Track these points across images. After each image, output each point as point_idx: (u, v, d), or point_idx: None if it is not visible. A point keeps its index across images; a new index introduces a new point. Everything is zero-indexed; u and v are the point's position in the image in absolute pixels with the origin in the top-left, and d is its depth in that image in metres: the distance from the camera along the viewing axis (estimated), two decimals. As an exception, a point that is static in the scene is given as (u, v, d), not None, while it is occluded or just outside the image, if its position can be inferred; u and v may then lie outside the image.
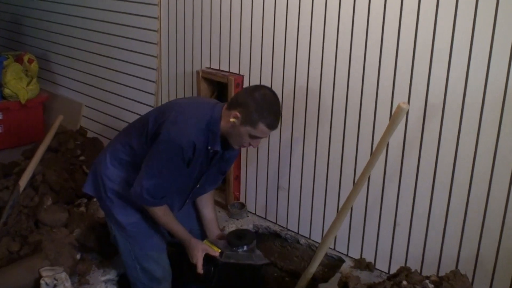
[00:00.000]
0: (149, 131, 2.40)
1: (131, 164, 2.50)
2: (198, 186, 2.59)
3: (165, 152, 2.30)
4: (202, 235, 2.78)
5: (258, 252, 2.68)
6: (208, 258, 2.54)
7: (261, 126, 2.31)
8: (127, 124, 4.21)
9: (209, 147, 2.38)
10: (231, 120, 2.31)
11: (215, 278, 2.55)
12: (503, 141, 2.32)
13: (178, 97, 3.83)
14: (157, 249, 2.61)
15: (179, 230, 2.54)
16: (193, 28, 3.58)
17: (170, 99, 3.87)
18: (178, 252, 2.70)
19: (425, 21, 2.43)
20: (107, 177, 2.54)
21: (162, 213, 2.46)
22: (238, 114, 2.30)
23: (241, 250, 2.60)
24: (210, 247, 2.56)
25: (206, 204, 2.77)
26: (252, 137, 2.36)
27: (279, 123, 2.41)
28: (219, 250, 2.55)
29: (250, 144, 2.41)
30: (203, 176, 2.55)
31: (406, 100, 2.56)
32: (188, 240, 2.55)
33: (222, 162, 2.61)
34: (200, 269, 2.52)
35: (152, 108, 4.02)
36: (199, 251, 2.52)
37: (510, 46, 2.21)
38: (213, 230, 2.78)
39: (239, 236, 2.66)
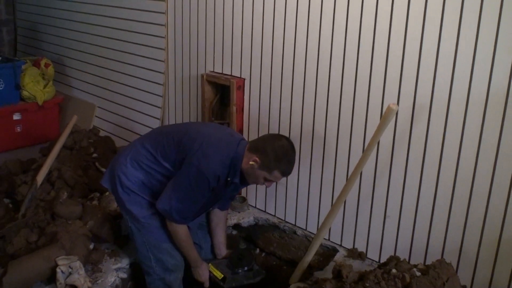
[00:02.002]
0: (179, 154, 2.46)
1: (153, 170, 2.54)
2: (211, 208, 2.73)
3: (194, 180, 2.37)
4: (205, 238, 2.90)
5: (256, 267, 2.83)
6: (212, 283, 2.72)
7: (276, 173, 2.41)
8: (136, 123, 4.26)
9: (229, 179, 2.45)
10: (251, 163, 2.39)
11: None
12: (486, 139, 2.32)
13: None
14: (170, 241, 2.61)
15: (194, 250, 2.64)
16: (198, 34, 3.58)
17: (177, 101, 3.88)
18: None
19: (413, 29, 2.44)
20: (125, 175, 2.56)
21: (183, 231, 2.53)
22: (258, 160, 2.38)
23: (241, 271, 2.74)
24: (213, 273, 2.72)
25: (218, 224, 2.85)
26: (267, 180, 2.45)
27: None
28: (222, 276, 2.70)
29: (263, 184, 2.49)
30: (218, 202, 2.68)
31: (396, 102, 2.57)
32: (200, 261, 2.68)
33: (234, 190, 2.72)
34: (207, 285, 2.71)
35: (161, 110, 4.03)
36: (207, 270, 2.71)
37: (492, 51, 2.22)
38: (221, 251, 2.88)
39: (239, 258, 2.79)
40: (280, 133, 3.10)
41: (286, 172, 2.45)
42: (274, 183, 2.58)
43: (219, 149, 2.41)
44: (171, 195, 2.41)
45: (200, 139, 2.43)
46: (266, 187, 2.59)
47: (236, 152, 2.42)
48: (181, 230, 2.51)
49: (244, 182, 2.54)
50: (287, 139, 2.47)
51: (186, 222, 2.49)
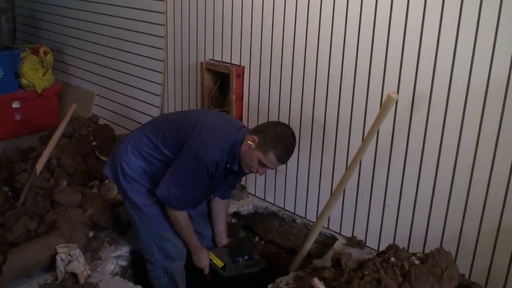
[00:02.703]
0: (178, 140, 2.45)
1: (154, 158, 2.53)
2: (212, 196, 2.71)
3: (192, 167, 2.35)
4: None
5: (256, 257, 2.83)
6: (213, 270, 2.73)
7: (271, 156, 2.36)
8: (135, 111, 4.25)
9: (228, 166, 2.43)
10: (249, 142, 2.36)
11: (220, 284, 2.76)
12: (485, 128, 2.31)
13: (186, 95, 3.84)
14: (171, 229, 2.60)
15: (194, 236, 2.63)
16: (197, 22, 3.56)
17: (176, 89, 3.87)
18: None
19: (414, 17, 2.42)
20: (126, 164, 2.55)
21: (182, 218, 2.52)
22: (256, 139, 2.35)
23: (241, 260, 2.74)
24: (214, 261, 2.72)
25: (219, 214, 2.85)
26: (261, 164, 2.39)
27: (288, 158, 2.45)
28: (222, 264, 2.69)
29: (257, 171, 2.45)
30: (218, 189, 2.65)
31: (396, 90, 2.56)
32: (200, 248, 2.68)
33: (235, 178, 2.70)
34: (207, 271, 2.71)
35: (160, 98, 4.02)
36: (207, 257, 2.71)
37: (493, 40, 2.20)
38: (221, 240, 2.88)
39: (240, 247, 2.78)
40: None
41: (281, 158, 2.38)
42: (267, 171, 2.51)
43: (218, 136, 2.40)
44: (170, 182, 2.40)
45: (199, 125, 2.42)
46: (260, 175, 2.52)
47: (235, 139, 2.41)
48: (180, 217, 2.50)
49: (243, 170, 2.52)
50: (290, 127, 2.46)
51: (185, 208, 2.49)
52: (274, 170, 3.26)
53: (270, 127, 2.40)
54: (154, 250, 2.61)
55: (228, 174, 2.52)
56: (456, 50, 2.32)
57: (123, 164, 2.55)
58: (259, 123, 3.21)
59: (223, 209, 2.85)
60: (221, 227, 2.87)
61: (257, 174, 2.52)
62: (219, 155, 2.37)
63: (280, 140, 2.36)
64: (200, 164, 2.34)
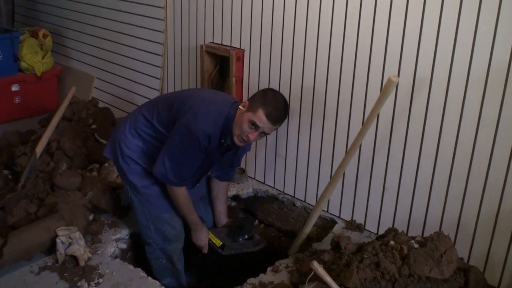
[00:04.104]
0: (171, 116, 2.44)
1: (150, 136, 2.53)
2: (209, 173, 2.70)
3: (185, 139, 2.35)
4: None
5: (256, 236, 2.83)
6: (211, 250, 2.72)
7: (260, 113, 2.33)
8: (135, 94, 4.24)
9: (223, 141, 2.43)
10: (240, 107, 2.37)
11: (218, 264, 2.79)
12: (485, 113, 2.30)
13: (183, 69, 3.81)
14: (170, 211, 2.61)
15: (194, 213, 2.62)
16: (197, 5, 3.52)
17: (176, 72, 3.85)
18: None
19: (415, 1, 2.39)
20: (125, 144, 2.55)
21: (182, 194, 2.51)
22: (247, 102, 2.39)
23: (241, 239, 2.73)
24: (213, 240, 2.72)
25: (219, 195, 2.85)
26: (252, 124, 2.35)
27: (279, 123, 2.44)
28: (221, 243, 2.68)
29: (248, 137, 2.39)
30: (215, 165, 2.64)
31: (396, 74, 2.54)
32: (200, 225, 2.67)
33: (233, 156, 2.70)
34: (206, 250, 2.71)
35: (160, 81, 4.00)
36: (206, 235, 2.70)
37: (494, 25, 2.18)
38: (221, 221, 2.89)
39: (239, 227, 2.77)
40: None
41: (270, 114, 2.33)
42: (259, 138, 2.48)
43: (210, 110, 2.39)
44: (165, 157, 2.40)
45: (191, 100, 2.42)
46: (251, 141, 2.45)
47: (228, 113, 2.40)
48: (180, 193, 2.50)
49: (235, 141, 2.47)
50: (282, 95, 2.49)
51: (183, 183, 2.47)
52: (273, 154, 3.26)
53: (261, 91, 2.46)
54: (152, 232, 2.62)
55: (225, 151, 2.52)
56: (457, 35, 2.30)
57: (121, 144, 2.55)
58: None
59: (223, 190, 2.85)
60: (221, 208, 2.87)
61: (250, 141, 2.43)
62: (211, 128, 2.35)
63: (268, 97, 2.38)
64: (191, 137, 2.33)
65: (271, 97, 2.39)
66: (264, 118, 2.34)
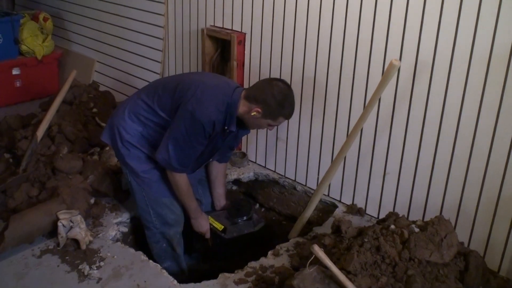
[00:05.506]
0: (174, 102, 2.43)
1: (150, 121, 2.51)
2: (211, 159, 2.70)
3: (189, 125, 2.34)
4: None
5: (255, 216, 2.83)
6: (214, 234, 2.73)
7: (281, 119, 2.44)
8: (136, 78, 4.22)
9: (226, 127, 2.42)
10: (253, 114, 2.37)
11: (222, 247, 2.80)
12: (487, 97, 2.28)
13: (185, 56, 3.79)
14: (169, 195, 2.60)
15: (194, 200, 2.61)
16: (198, -13, 3.50)
17: (177, 56, 3.83)
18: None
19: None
20: (124, 129, 2.53)
21: (183, 181, 2.50)
22: (260, 110, 2.37)
23: (241, 220, 2.73)
24: (214, 224, 2.72)
25: (217, 177, 2.84)
26: (271, 125, 2.47)
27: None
28: (222, 227, 2.69)
29: (266, 128, 2.53)
30: (217, 152, 2.64)
31: (398, 58, 2.52)
32: (200, 212, 2.67)
33: (234, 140, 2.70)
34: (208, 235, 2.72)
35: (161, 64, 3.98)
36: (207, 221, 2.70)
37: (497, 9, 2.15)
38: (220, 203, 2.88)
39: (238, 208, 2.79)
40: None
41: (289, 115, 2.47)
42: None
43: (214, 96, 2.38)
44: (168, 144, 2.38)
45: (194, 86, 2.40)
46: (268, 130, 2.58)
47: (231, 99, 2.39)
48: (181, 180, 2.49)
49: (242, 128, 2.53)
50: (282, 81, 2.46)
51: (185, 170, 2.47)
52: (274, 138, 3.26)
53: (267, 93, 2.36)
54: (152, 216, 2.62)
55: (227, 136, 2.51)
56: (460, 17, 2.27)
57: (120, 129, 2.53)
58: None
59: (221, 172, 2.83)
60: (220, 190, 2.86)
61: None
62: (215, 115, 2.35)
63: (283, 102, 2.38)
64: (196, 123, 2.32)
65: (285, 101, 2.39)
66: (284, 120, 2.47)
